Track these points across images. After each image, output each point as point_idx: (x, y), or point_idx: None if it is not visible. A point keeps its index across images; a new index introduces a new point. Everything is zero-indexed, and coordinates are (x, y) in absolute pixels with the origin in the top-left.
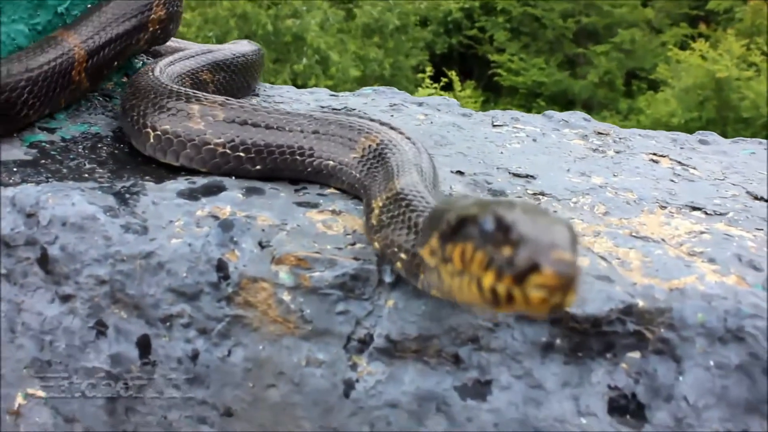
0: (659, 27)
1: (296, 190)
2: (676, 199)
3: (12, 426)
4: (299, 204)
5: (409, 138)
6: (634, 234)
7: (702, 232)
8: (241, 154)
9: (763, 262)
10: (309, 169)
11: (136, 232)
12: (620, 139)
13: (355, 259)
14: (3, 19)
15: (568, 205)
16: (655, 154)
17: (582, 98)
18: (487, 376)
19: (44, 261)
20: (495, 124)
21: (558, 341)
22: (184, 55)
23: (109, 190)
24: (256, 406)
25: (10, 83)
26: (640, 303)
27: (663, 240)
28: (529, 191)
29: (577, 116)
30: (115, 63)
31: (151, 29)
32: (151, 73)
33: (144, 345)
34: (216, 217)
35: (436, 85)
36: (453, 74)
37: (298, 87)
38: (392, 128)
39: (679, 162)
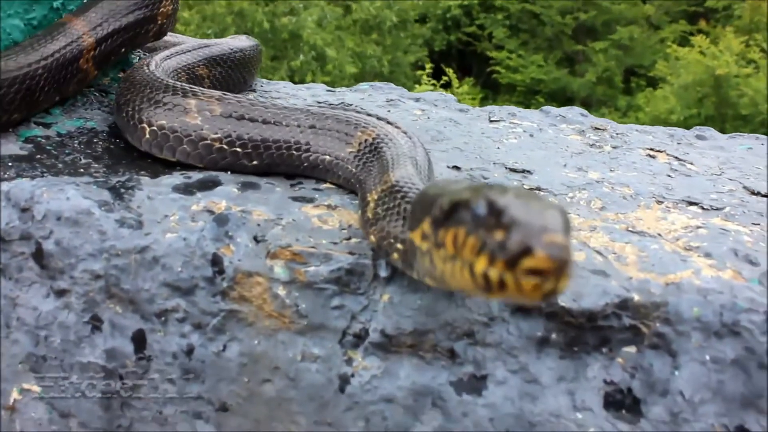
0: (658, 24)
1: (292, 185)
2: (673, 194)
3: (7, 421)
4: (295, 199)
5: (405, 132)
6: (630, 229)
7: (698, 227)
8: (239, 149)
9: (759, 257)
10: (306, 164)
11: (131, 227)
12: (617, 134)
13: (351, 253)
14: None
15: (565, 200)
16: (652, 149)
17: (581, 95)
18: (482, 370)
19: (39, 256)
20: (492, 119)
21: (553, 336)
22: (180, 49)
23: (104, 185)
24: (252, 401)
25: (29, 72)
26: (636, 297)
27: (659, 235)
28: (525, 186)
29: (574, 111)
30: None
31: (159, 22)
32: (146, 68)
33: (139, 340)
34: (211, 212)
35: (435, 82)
36: (450, 71)
37: (295, 83)
38: (389, 123)
39: (676, 157)
